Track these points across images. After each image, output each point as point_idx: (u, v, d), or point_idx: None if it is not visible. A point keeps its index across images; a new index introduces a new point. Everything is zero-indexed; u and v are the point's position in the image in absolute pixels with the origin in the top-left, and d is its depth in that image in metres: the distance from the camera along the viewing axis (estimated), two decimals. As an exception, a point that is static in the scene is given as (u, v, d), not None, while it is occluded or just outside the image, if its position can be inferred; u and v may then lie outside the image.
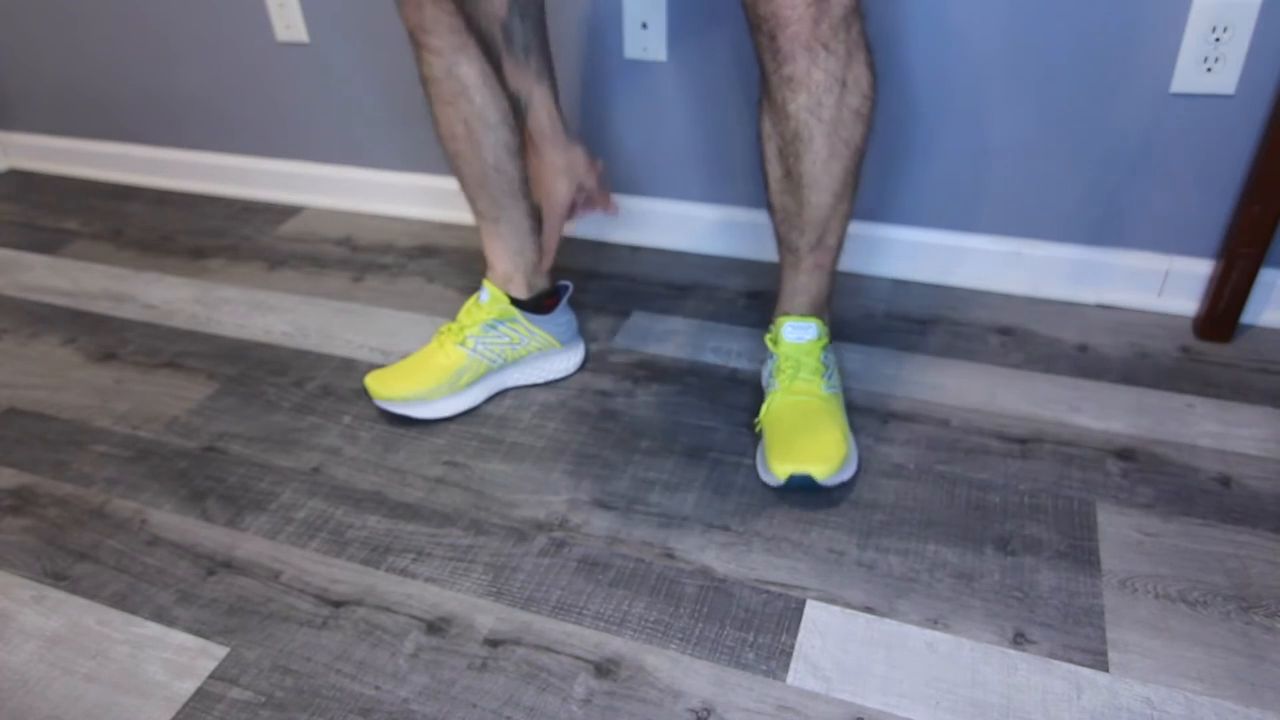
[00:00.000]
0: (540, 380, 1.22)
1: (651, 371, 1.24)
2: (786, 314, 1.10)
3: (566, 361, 1.23)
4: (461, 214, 1.66)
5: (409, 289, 1.47)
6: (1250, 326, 1.27)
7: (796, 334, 1.08)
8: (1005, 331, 1.28)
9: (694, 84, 1.37)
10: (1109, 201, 1.27)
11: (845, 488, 1.03)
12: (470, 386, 1.17)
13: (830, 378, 1.08)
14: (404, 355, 1.31)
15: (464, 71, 1.06)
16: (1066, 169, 1.26)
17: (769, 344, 1.11)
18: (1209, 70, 1.13)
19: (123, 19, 1.70)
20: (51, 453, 1.17)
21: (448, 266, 1.53)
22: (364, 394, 1.23)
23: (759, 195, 1.44)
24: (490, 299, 1.17)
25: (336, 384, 1.26)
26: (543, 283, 1.22)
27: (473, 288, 1.46)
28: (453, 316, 1.39)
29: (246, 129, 1.75)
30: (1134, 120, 1.20)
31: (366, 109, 1.62)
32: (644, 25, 1.34)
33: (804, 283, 1.08)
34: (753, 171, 1.42)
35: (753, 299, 1.39)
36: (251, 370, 1.30)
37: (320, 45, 1.58)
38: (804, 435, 1.01)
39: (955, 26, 1.20)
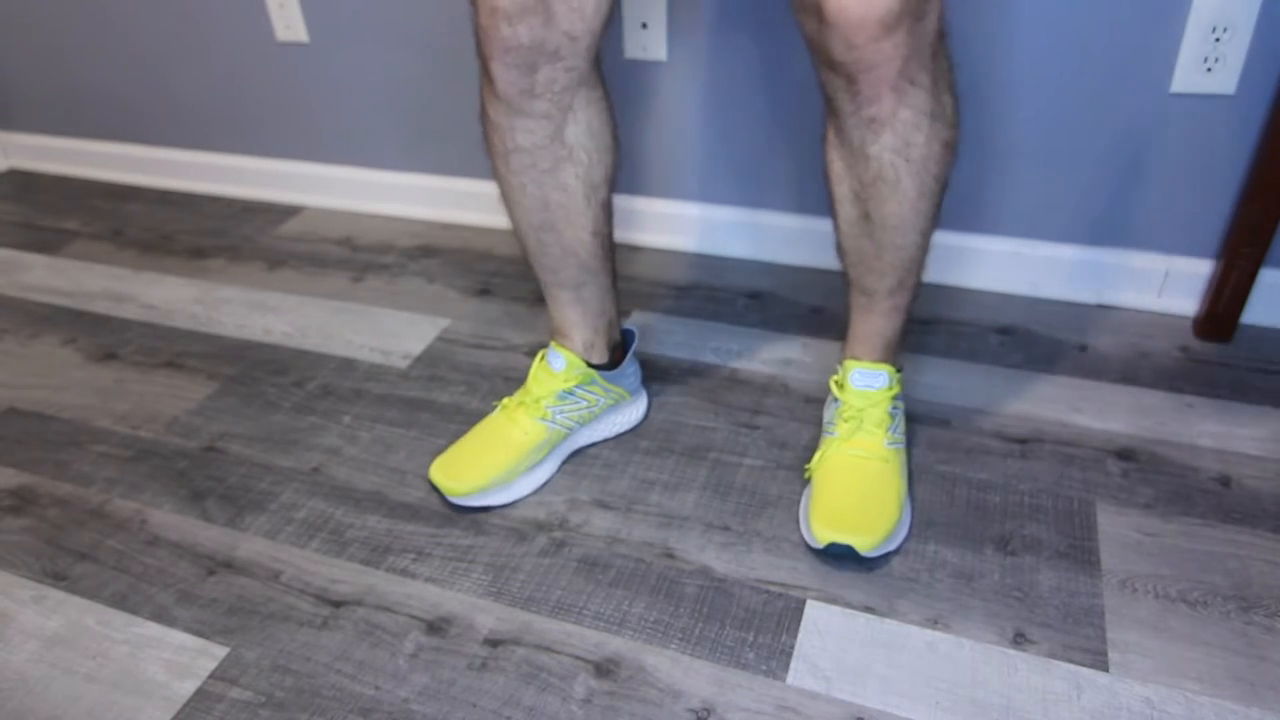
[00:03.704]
0: (611, 435, 1.13)
1: (651, 371, 1.24)
2: (856, 358, 1.01)
3: (635, 411, 1.14)
4: (461, 214, 1.66)
5: (409, 289, 1.47)
6: (1250, 326, 1.27)
7: (865, 381, 0.99)
8: (1005, 331, 1.28)
9: (694, 84, 1.37)
10: (1109, 201, 1.27)
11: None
12: (548, 457, 1.07)
13: (895, 430, 1.00)
14: (404, 355, 1.31)
15: (571, 131, 0.91)
16: (1066, 169, 1.26)
17: (833, 388, 1.03)
18: (1209, 70, 1.13)
19: (123, 19, 1.70)
20: (51, 453, 1.17)
21: (448, 266, 1.53)
22: (364, 394, 1.23)
23: (759, 195, 1.44)
24: (567, 366, 1.06)
25: (336, 384, 1.26)
26: (616, 336, 1.12)
27: (473, 288, 1.46)
28: (453, 317, 1.39)
29: (246, 129, 1.75)
30: (1134, 120, 1.20)
31: (366, 109, 1.62)
32: (644, 25, 1.34)
33: (878, 326, 0.98)
34: (753, 171, 1.42)
35: (753, 299, 1.39)
36: (251, 370, 1.30)
37: (320, 45, 1.58)
38: (854, 501, 0.94)
39: (954, 27, 1.20)
